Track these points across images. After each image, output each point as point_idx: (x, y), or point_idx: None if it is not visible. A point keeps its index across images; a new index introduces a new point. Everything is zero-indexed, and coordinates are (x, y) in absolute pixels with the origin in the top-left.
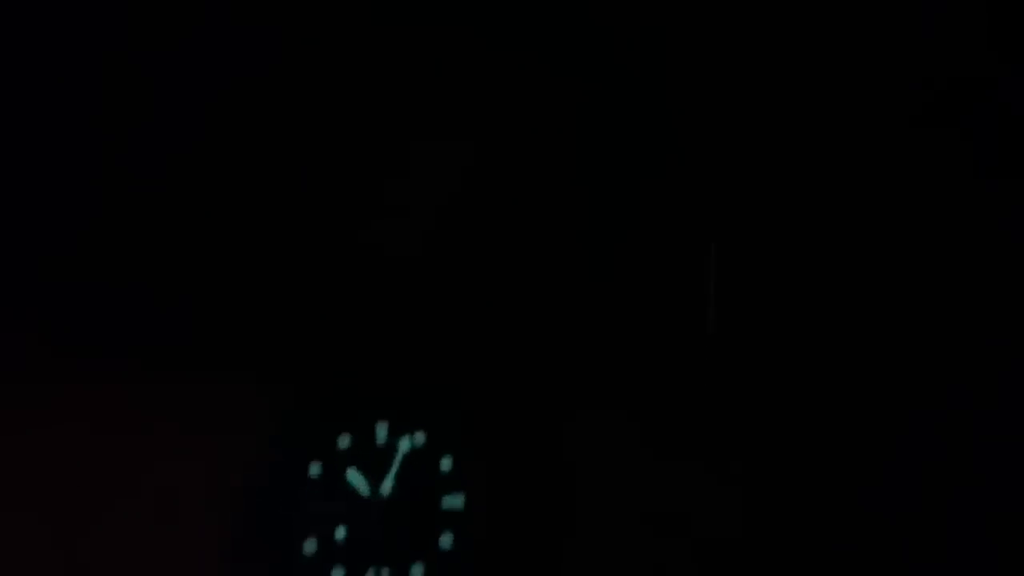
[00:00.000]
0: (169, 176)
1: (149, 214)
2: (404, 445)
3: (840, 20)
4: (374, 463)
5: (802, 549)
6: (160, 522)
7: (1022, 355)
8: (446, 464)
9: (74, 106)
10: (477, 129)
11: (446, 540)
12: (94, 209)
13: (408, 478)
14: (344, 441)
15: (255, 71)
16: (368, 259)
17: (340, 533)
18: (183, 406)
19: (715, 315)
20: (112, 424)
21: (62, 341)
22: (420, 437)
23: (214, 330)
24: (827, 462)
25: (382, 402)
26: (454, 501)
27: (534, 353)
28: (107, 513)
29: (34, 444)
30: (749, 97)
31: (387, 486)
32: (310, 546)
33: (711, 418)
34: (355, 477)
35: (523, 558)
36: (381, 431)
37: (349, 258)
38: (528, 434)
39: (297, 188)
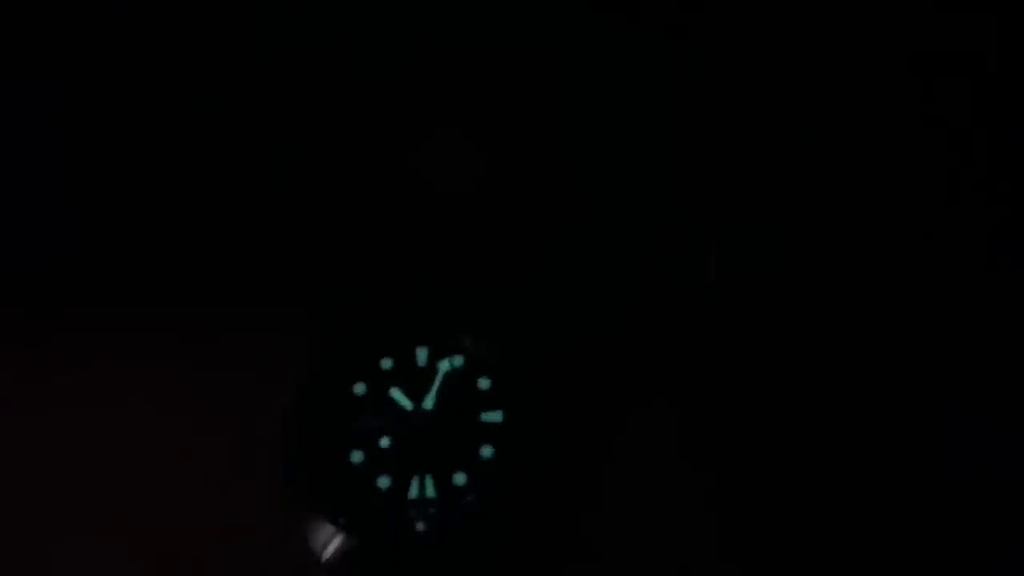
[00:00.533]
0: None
1: (197, 149)
2: (444, 366)
3: (840, 15)
4: (416, 383)
5: (804, 507)
6: (218, 436)
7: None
8: (484, 383)
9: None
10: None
11: (486, 451)
12: (145, 144)
13: (449, 395)
14: (387, 363)
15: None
16: (411, 199)
17: (385, 444)
18: (238, 335)
19: (716, 263)
20: (160, 348)
21: (111, 272)
22: (458, 360)
23: (266, 262)
24: (829, 423)
25: (422, 330)
26: (493, 416)
27: (551, 296)
28: (154, 432)
29: (92, 377)
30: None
31: (429, 402)
32: (357, 456)
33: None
34: (398, 394)
35: (557, 469)
36: (421, 355)
37: (394, 198)
38: (555, 360)
39: (344, 120)
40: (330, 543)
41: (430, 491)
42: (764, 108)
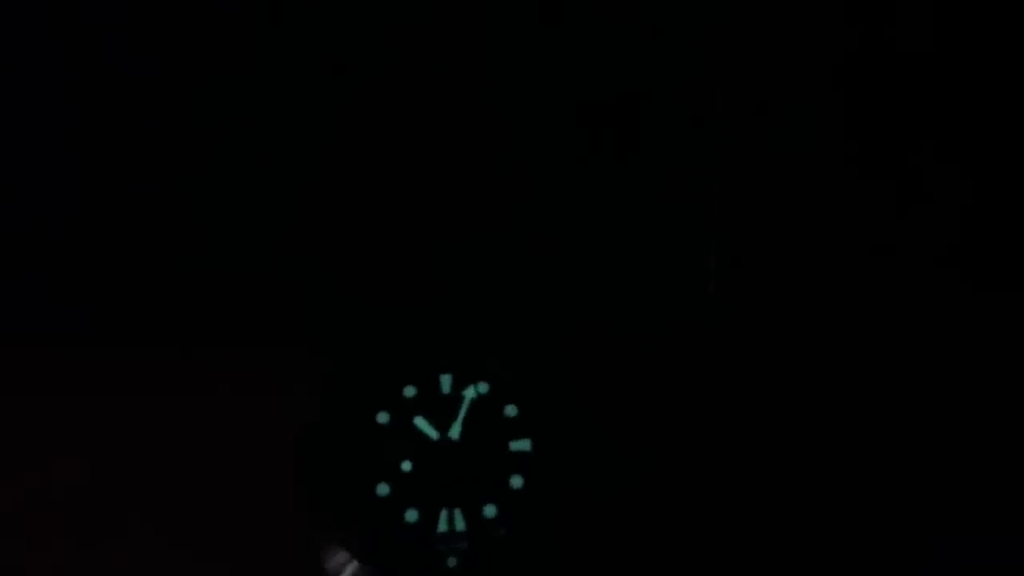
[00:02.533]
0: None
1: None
2: (469, 393)
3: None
4: (441, 411)
5: (801, 513)
6: (239, 470)
7: None
8: (511, 411)
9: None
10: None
11: (516, 481)
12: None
13: (475, 424)
14: (410, 391)
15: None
16: (428, 222)
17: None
18: (259, 367)
19: (716, 273)
20: (181, 382)
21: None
22: (484, 387)
23: (281, 296)
24: (832, 432)
25: (445, 356)
26: (522, 444)
27: (568, 317)
28: (179, 463)
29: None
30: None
31: (455, 431)
32: (383, 489)
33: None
34: (423, 424)
35: (589, 496)
36: (445, 382)
37: (412, 221)
38: (579, 383)
39: (351, 142)
40: (344, 570)
41: (459, 524)
42: (764, 110)
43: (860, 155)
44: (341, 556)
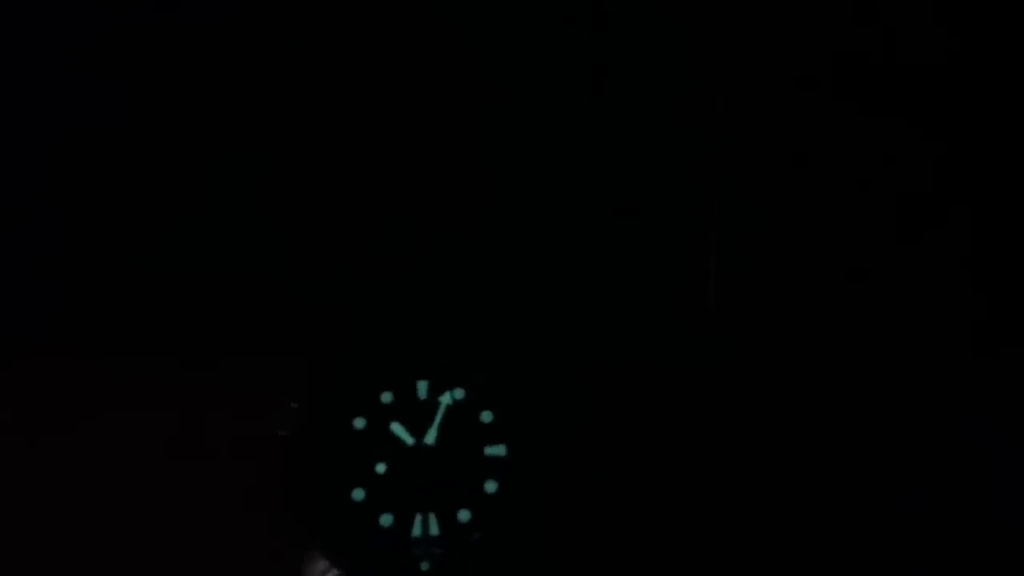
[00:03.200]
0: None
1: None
2: (445, 400)
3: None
4: (417, 417)
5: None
6: (214, 478)
7: None
8: (486, 417)
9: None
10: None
11: (490, 486)
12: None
13: (451, 430)
14: (386, 397)
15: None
16: (409, 227)
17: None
18: (236, 374)
19: (715, 289)
20: (163, 390)
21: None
22: (460, 393)
23: (259, 303)
24: (829, 437)
25: (421, 362)
26: (496, 449)
27: (551, 325)
28: (160, 473)
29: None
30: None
31: (431, 437)
32: (358, 494)
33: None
34: (399, 429)
35: (563, 501)
36: (422, 388)
37: (391, 227)
38: (557, 390)
39: (333, 145)
40: None
41: (434, 529)
42: (764, 117)
43: (861, 156)
44: (319, 563)
